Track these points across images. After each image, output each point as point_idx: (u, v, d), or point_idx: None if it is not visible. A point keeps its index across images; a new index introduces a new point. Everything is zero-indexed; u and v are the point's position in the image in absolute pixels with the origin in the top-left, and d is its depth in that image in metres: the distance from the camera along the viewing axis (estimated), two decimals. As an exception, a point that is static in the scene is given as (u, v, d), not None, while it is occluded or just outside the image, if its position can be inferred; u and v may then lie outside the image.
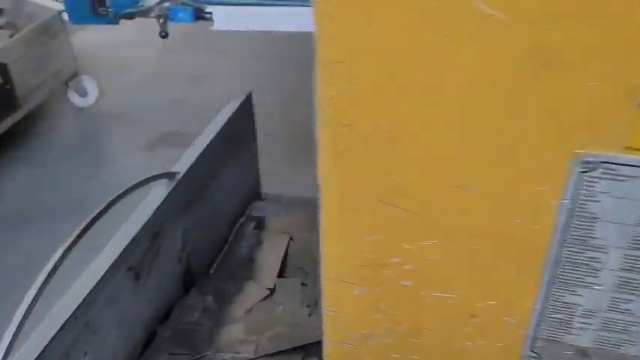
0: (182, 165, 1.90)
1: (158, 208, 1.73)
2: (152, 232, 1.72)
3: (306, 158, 3.08)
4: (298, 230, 2.39)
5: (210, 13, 1.67)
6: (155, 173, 1.80)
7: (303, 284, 2.04)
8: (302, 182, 3.09)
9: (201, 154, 1.97)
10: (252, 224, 2.45)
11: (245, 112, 2.33)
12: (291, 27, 1.64)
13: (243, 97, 2.30)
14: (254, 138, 2.48)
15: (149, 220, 1.68)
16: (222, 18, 1.64)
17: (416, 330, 0.60)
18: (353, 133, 0.47)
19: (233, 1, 1.69)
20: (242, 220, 2.47)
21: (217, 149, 2.09)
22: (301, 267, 2.16)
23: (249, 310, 1.87)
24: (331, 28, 0.42)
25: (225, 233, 2.34)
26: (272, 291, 1.98)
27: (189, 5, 1.70)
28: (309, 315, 1.86)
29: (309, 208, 2.57)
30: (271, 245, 2.27)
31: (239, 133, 2.30)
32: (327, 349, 0.65)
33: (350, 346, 0.63)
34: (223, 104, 3.87)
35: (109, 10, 1.80)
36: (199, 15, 1.72)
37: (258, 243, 2.32)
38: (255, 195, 2.60)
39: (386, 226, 0.52)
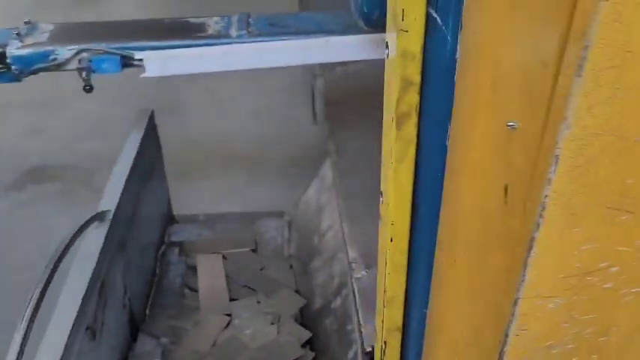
0: (109, 201, 1.70)
1: (100, 254, 1.53)
2: (99, 282, 1.52)
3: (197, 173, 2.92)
4: (226, 247, 2.28)
5: (141, 60, 1.47)
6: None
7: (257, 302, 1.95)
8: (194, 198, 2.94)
9: (125, 186, 1.78)
10: (176, 250, 2.28)
11: (151, 132, 2.15)
12: (230, 66, 1.52)
13: (147, 118, 2.11)
14: (161, 159, 2.31)
15: (95, 271, 1.48)
16: (155, 64, 1.46)
17: (603, 330, 0.59)
18: (598, 142, 0.45)
19: (165, 44, 1.50)
20: (163, 248, 2.30)
21: (135, 177, 1.90)
22: (246, 285, 2.06)
23: (214, 343, 1.74)
24: (613, 31, 0.39)
25: (152, 266, 2.15)
26: (229, 316, 1.86)
27: (115, 53, 1.46)
28: (278, 332, 1.78)
29: (229, 222, 2.48)
30: (206, 269, 2.14)
31: (149, 156, 2.11)
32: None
33: (527, 361, 0.61)
34: (85, 130, 3.53)
35: (12, 67, 1.49)
36: (127, 63, 1.49)
37: (190, 269, 2.17)
38: (170, 218, 2.42)
39: (604, 232, 0.51)
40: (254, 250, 2.25)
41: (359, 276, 1.50)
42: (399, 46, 0.72)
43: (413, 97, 0.76)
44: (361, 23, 1.29)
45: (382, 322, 1.00)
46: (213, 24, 1.61)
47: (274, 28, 1.57)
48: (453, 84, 0.73)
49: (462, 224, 0.75)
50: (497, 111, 0.59)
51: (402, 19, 0.70)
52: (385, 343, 1.03)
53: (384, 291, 0.96)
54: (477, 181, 0.68)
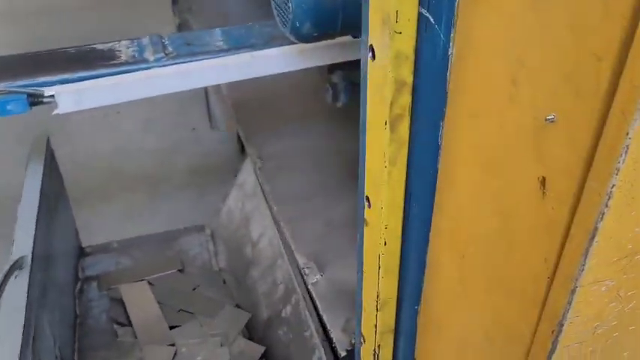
0: (23, 246, 1.52)
1: (26, 307, 1.36)
2: (31, 339, 1.36)
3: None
4: (150, 272, 2.14)
5: (52, 96, 1.30)
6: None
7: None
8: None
9: (37, 226, 1.60)
10: (94, 284, 2.11)
11: (51, 162, 1.95)
12: (152, 93, 1.40)
13: (44, 147, 1.92)
14: (64, 189, 2.11)
15: (25, 327, 1.32)
16: (69, 99, 1.29)
17: (641, 302, 0.62)
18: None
19: (77, 76, 1.34)
20: (79, 285, 2.11)
21: (44, 214, 1.72)
22: (181, 309, 1.96)
23: (165, 377, 1.63)
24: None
25: (72, 306, 1.97)
26: (174, 346, 1.75)
27: (20, 92, 1.27)
28: (230, 353, 1.71)
29: (147, 245, 2.33)
30: (134, 299, 1.99)
31: (52, 188, 1.92)
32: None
33: (576, 345, 0.62)
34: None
35: None
36: (36, 101, 1.30)
37: (115, 302, 2.01)
38: (80, 251, 2.23)
39: (655, 211, 0.53)
40: (181, 271, 2.14)
41: (314, 281, 1.48)
42: (393, 48, 0.70)
43: (406, 99, 0.74)
44: (292, 37, 1.25)
45: (375, 326, 0.99)
46: (125, 49, 1.47)
47: (193, 47, 1.48)
48: (446, 82, 0.72)
49: (471, 219, 0.75)
50: (523, 106, 0.59)
51: (396, 21, 0.68)
52: (379, 346, 1.01)
53: (377, 295, 0.95)
54: (492, 176, 0.68)
